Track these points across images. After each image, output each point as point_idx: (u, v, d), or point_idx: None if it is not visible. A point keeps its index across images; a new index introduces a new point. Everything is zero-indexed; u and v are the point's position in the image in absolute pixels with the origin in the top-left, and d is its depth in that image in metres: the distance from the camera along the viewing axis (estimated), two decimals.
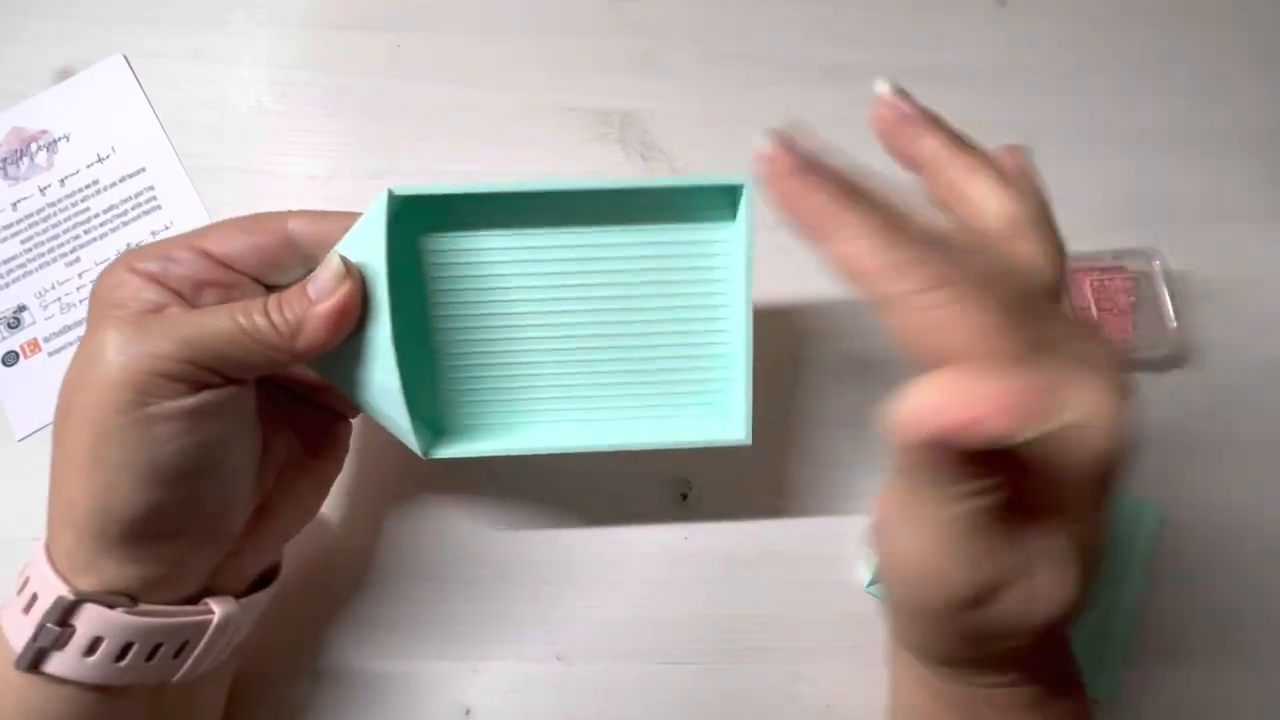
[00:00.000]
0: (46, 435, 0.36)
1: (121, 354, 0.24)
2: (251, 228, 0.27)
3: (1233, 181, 0.41)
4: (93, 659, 0.24)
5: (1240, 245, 0.41)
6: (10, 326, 0.37)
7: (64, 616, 0.24)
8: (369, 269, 0.26)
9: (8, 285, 0.38)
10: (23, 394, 0.36)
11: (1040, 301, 0.20)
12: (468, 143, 0.40)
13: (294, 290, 0.26)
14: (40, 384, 0.37)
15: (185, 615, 0.26)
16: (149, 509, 0.24)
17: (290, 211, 0.28)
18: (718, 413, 0.31)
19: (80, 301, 0.37)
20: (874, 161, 0.41)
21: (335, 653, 0.34)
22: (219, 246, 0.27)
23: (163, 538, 0.25)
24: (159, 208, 0.39)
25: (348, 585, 0.35)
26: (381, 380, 0.27)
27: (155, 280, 0.25)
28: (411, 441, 0.28)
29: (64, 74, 0.40)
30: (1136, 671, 0.35)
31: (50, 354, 0.37)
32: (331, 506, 0.35)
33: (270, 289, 0.27)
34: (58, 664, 0.24)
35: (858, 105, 0.42)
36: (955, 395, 0.16)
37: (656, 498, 0.36)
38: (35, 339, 0.37)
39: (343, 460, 0.32)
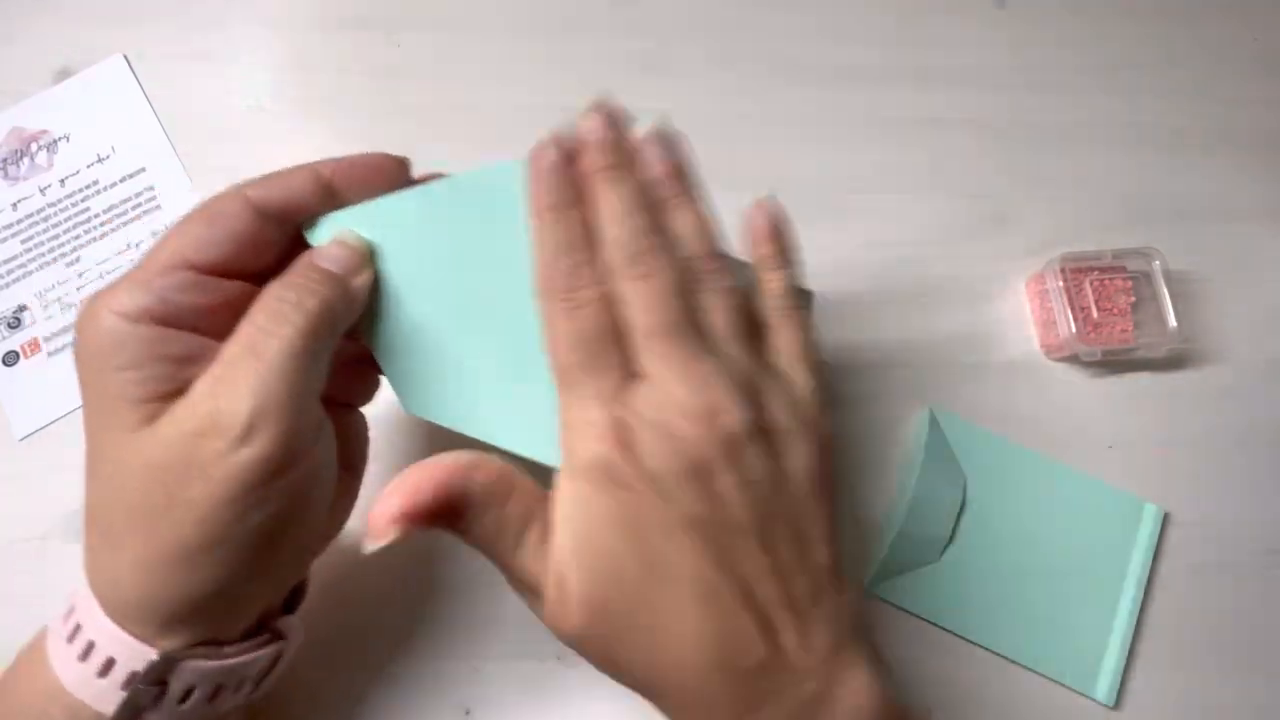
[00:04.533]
0: (46, 435, 0.36)
1: (263, 433, 0.21)
2: (215, 215, 0.24)
3: (1233, 181, 0.41)
4: (187, 705, 0.24)
5: (1240, 245, 0.41)
6: (10, 326, 0.37)
7: (158, 677, 0.23)
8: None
9: (8, 285, 0.38)
10: (23, 394, 0.36)
11: None
12: (468, 143, 0.40)
13: (305, 270, 0.24)
14: (40, 384, 0.37)
15: (264, 648, 0.25)
16: (272, 561, 0.24)
17: (240, 185, 0.25)
18: None
19: (81, 301, 0.38)
20: (876, 158, 0.41)
21: (335, 653, 0.34)
22: (200, 253, 0.23)
23: (260, 586, 0.25)
24: (159, 208, 0.39)
25: (347, 586, 0.35)
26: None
27: (162, 323, 0.22)
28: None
29: (64, 74, 0.40)
30: (1136, 672, 0.35)
31: (50, 354, 0.37)
32: None
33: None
34: (155, 718, 0.23)
35: (857, 105, 0.42)
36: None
37: None
38: (35, 339, 0.37)
39: (365, 463, 0.30)
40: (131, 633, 0.23)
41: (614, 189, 0.24)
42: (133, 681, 0.23)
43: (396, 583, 0.35)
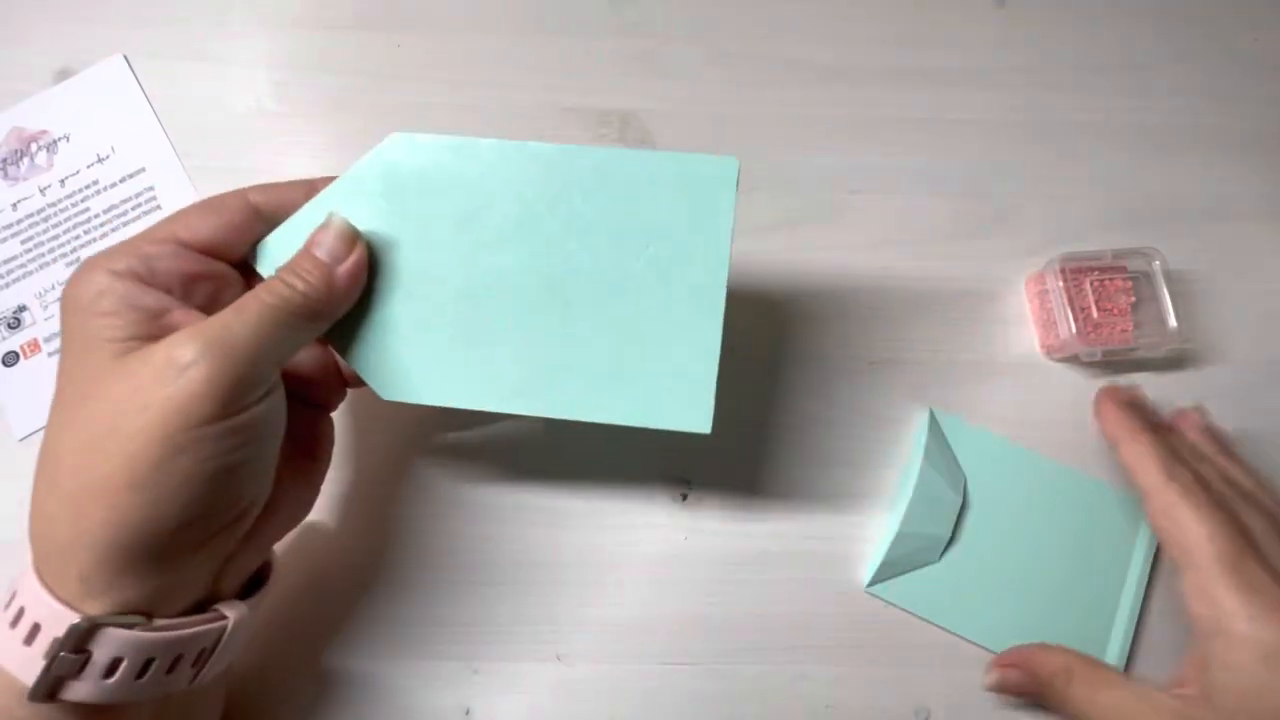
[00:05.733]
0: None
1: (204, 366, 0.23)
2: (216, 208, 0.27)
3: (1233, 181, 0.41)
4: (113, 680, 0.23)
5: (1240, 245, 0.41)
6: (10, 327, 0.37)
7: (79, 644, 0.23)
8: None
9: (8, 285, 0.38)
10: (23, 394, 0.36)
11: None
12: None
13: (301, 257, 0.27)
14: (40, 384, 0.37)
15: (202, 624, 0.25)
16: (198, 518, 0.24)
17: (245, 188, 0.28)
18: (684, 397, 0.28)
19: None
20: (876, 158, 0.41)
21: (336, 653, 0.34)
22: (191, 233, 0.27)
23: (190, 548, 0.25)
24: (159, 208, 0.39)
25: (348, 586, 0.35)
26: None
27: (142, 281, 0.25)
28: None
29: (64, 74, 0.40)
30: (1136, 673, 0.35)
31: (50, 354, 0.37)
32: (331, 508, 0.35)
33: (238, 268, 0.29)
34: (77, 691, 0.23)
35: (857, 105, 0.42)
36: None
37: (656, 498, 0.36)
38: (35, 339, 0.37)
39: (329, 458, 0.32)
40: (58, 595, 0.23)
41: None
42: (56, 649, 0.23)
43: (397, 583, 0.35)
